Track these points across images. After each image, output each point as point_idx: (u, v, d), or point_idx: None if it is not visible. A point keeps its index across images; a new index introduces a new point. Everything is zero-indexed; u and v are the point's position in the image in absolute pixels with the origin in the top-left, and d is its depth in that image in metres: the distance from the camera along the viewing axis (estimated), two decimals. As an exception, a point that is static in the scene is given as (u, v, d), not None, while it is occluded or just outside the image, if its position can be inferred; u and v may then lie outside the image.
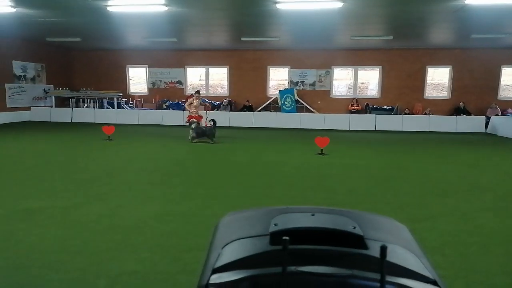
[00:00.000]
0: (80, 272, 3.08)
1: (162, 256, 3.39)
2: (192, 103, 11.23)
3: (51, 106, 16.94)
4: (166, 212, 4.60)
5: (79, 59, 19.04)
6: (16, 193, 5.31)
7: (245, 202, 5.02)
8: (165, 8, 9.01)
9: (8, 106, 15.37)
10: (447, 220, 4.50)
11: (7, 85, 15.32)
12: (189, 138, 10.65)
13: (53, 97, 17.12)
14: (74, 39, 14.50)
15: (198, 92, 11.73)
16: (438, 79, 17.17)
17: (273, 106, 17.30)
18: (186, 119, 11.46)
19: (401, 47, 16.15)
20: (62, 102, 17.63)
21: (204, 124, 11.30)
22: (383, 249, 0.89)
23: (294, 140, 11.63)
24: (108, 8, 9.03)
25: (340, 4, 8.35)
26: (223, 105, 17.24)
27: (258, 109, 17.17)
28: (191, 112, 11.17)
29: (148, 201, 5.05)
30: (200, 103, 11.61)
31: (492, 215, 4.71)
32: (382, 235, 1.20)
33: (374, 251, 1.04)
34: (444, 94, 16.93)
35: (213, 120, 10.79)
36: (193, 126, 10.53)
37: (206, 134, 10.50)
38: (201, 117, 11.51)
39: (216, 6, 9.17)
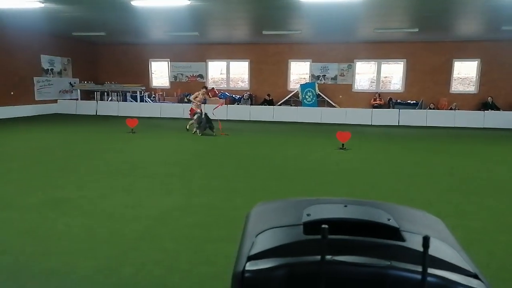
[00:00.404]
0: (106, 260, 3.17)
1: (185, 246, 3.45)
2: (197, 97, 11.41)
3: (77, 99, 17.41)
4: (188, 204, 4.67)
5: (103, 53, 19.45)
6: (45, 183, 5.51)
7: (265, 195, 5.04)
8: (188, 2, 9.06)
9: (36, 99, 15.90)
10: (473, 217, 4.39)
11: (35, 79, 15.83)
12: (195, 130, 10.80)
13: (78, 90, 17.58)
14: (99, 34, 14.81)
15: (205, 87, 12.05)
16: (465, 73, 16.62)
17: (294, 100, 17.21)
18: (189, 112, 11.71)
19: (426, 40, 15.70)
20: (87, 95, 18.09)
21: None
22: (426, 240, 0.88)
23: (315, 134, 11.55)
24: (132, 3, 9.16)
25: (364, -4, 8.18)
26: (244, 99, 17.27)
27: (279, 103, 17.12)
28: (195, 106, 11.37)
29: (171, 192, 5.13)
30: (204, 98, 11.70)
31: (522, 213, 4.56)
32: (418, 227, 1.17)
33: (411, 243, 1.03)
34: (471, 88, 16.39)
35: (205, 114, 10.88)
36: (195, 117, 10.67)
37: (209, 126, 10.74)
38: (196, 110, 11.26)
39: (238, -1, 9.16)
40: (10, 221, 4.00)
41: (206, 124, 10.75)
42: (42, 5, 9.65)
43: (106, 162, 7.05)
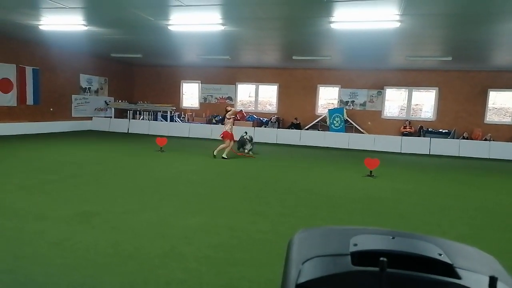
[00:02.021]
0: (130, 276, 3.20)
1: (209, 268, 3.44)
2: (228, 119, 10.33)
3: (111, 117, 18.10)
4: (213, 224, 4.68)
5: (138, 74, 20.28)
6: (77, 197, 5.69)
7: (290, 221, 4.97)
8: (222, 28, 9.37)
9: (73, 115, 16.66)
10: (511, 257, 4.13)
11: (73, 96, 16.66)
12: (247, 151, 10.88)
13: (113, 108, 18.30)
14: (136, 55, 15.50)
15: (226, 110, 10.60)
16: (500, 103, 16.08)
17: (321, 125, 17.15)
18: (222, 135, 10.42)
19: (460, 69, 15.41)
20: (120, 113, 18.79)
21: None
22: (493, 280, 0.84)
23: (342, 160, 11.39)
24: (169, 27, 9.58)
25: (397, 24, 8.19)
26: (271, 122, 17.38)
27: (306, 127, 17.10)
28: (229, 128, 10.30)
29: (196, 212, 5.17)
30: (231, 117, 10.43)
31: None
32: (472, 264, 1.12)
33: (468, 281, 0.98)
34: (508, 119, 15.79)
35: (246, 132, 11.13)
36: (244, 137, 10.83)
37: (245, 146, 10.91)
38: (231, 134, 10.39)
39: (271, 26, 9.38)
40: (42, 232, 4.14)
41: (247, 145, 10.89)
42: (86, 28, 10.26)
43: (135, 179, 7.22)
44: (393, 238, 1.21)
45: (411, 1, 6.80)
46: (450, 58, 12.48)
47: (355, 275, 1.03)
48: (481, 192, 7.60)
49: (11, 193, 5.76)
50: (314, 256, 1.17)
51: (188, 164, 9.26)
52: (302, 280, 1.06)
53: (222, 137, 10.35)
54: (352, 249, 1.13)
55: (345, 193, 6.83)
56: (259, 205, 5.74)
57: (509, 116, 15.78)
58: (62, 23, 9.95)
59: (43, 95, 14.92)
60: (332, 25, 8.56)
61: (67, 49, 15.40)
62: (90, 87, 17.69)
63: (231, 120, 10.31)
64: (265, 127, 17.08)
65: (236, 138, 10.90)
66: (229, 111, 10.38)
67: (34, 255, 3.54)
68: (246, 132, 11.25)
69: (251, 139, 11.10)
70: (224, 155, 10.10)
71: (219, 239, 4.17)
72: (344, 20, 8.23)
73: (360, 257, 1.04)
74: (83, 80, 17.24)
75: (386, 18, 7.94)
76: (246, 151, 10.92)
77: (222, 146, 10.26)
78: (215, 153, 10.29)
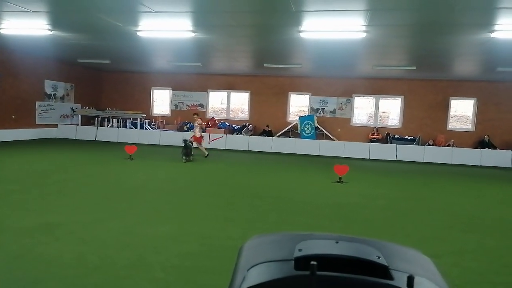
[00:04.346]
0: (95, 288, 3.10)
1: (177, 277, 3.39)
2: (196, 125, 12.10)
3: (77, 124, 17.52)
4: (182, 232, 4.62)
5: (106, 80, 19.80)
6: (40, 207, 5.46)
7: (260, 227, 4.99)
8: (192, 35, 9.35)
9: (37, 122, 16.00)
10: (471, 257, 4.33)
11: (37, 103, 16.01)
12: (206, 155, 11.83)
13: (79, 115, 17.74)
14: (104, 61, 15.14)
15: (196, 113, 12.72)
16: (461, 111, 16.90)
17: (293, 132, 17.36)
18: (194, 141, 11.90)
19: (423, 78, 16.08)
20: (88, 120, 18.23)
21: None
22: (410, 279, 0.89)
23: (312, 166, 11.56)
24: (138, 33, 9.44)
25: (363, 35, 8.46)
26: (248, 129, 17.36)
27: (278, 134, 17.25)
28: (195, 133, 12.06)
29: (165, 220, 5.08)
30: (200, 124, 12.20)
31: (519, 253, 4.50)
32: (407, 266, 1.18)
33: (399, 282, 1.03)
34: (468, 126, 16.60)
35: (184, 140, 11.39)
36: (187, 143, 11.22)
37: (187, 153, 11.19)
38: (200, 137, 12.25)
39: (242, 33, 9.45)
40: (1, 245, 3.94)
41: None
42: (51, 32, 9.94)
43: (102, 188, 7.02)
44: (337, 242, 1.26)
45: (376, 12, 7.06)
46: (414, 68, 13.01)
47: (295, 279, 1.06)
48: (444, 195, 7.93)
49: (-33, 204, 5.46)
50: (260, 262, 1.20)
51: (158, 172, 9.11)
52: (245, 286, 1.08)
53: (191, 141, 11.65)
54: (297, 254, 1.16)
55: (315, 199, 6.93)
56: (229, 211, 5.72)
57: (470, 124, 16.59)
58: (25, 27, 9.59)
59: (4, 102, 14.27)
60: (301, 34, 8.74)
61: (31, 54, 14.83)
62: (56, 94, 17.07)
63: (199, 126, 12.07)
64: (237, 134, 17.08)
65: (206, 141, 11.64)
66: (196, 118, 12.20)
67: (-10, 269, 3.37)
68: (186, 140, 11.40)
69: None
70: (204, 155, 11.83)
71: (188, 248, 4.12)
72: (312, 30, 8.41)
73: (304, 262, 1.07)
74: (48, 86, 16.61)
75: (352, 29, 8.18)
76: (187, 157, 11.16)
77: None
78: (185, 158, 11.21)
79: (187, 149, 11.07)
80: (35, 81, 15.75)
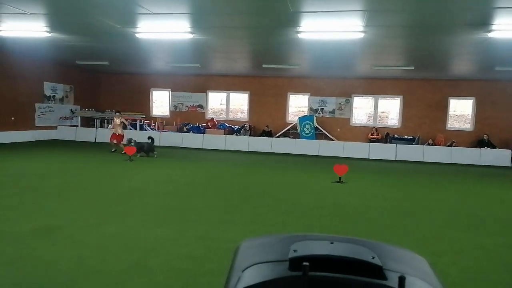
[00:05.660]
0: (94, 292, 3.10)
1: (176, 280, 3.38)
2: (116, 123, 12.70)
3: (77, 126, 17.52)
4: (181, 235, 4.62)
5: (105, 81, 19.80)
6: (37, 211, 5.46)
7: (260, 228, 4.99)
8: (191, 36, 9.35)
9: (36, 124, 16.00)
10: (469, 255, 4.34)
11: (37, 105, 16.01)
12: (123, 152, 11.97)
13: (79, 117, 17.74)
14: (103, 63, 15.13)
15: (118, 112, 13.71)
16: (460, 110, 16.91)
17: (292, 132, 17.36)
18: (112, 138, 12.71)
19: (422, 78, 16.09)
20: (87, 122, 18.23)
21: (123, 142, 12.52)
22: (402, 280, 0.89)
23: (312, 167, 11.57)
24: (137, 35, 9.44)
25: (361, 35, 8.47)
26: (245, 129, 17.39)
27: (277, 135, 17.26)
28: (117, 131, 12.59)
29: (164, 223, 5.08)
30: (122, 122, 12.88)
31: (518, 253, 4.51)
32: (400, 266, 1.19)
33: (392, 282, 1.04)
34: (467, 125, 16.62)
35: (150, 137, 12.18)
36: (133, 143, 11.73)
37: (144, 149, 11.90)
38: (123, 135, 12.71)
39: (240, 34, 9.45)
40: (1, 249, 3.94)
41: (141, 148, 11.85)
42: (49, 34, 9.93)
43: (101, 190, 7.02)
44: (331, 243, 1.27)
45: (374, 13, 7.07)
46: (412, 68, 13.03)
47: (288, 280, 1.07)
48: (444, 194, 7.93)
49: (-34, 208, 5.45)
50: (255, 263, 1.21)
51: (157, 174, 9.11)
52: (240, 287, 1.09)
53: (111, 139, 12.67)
54: (291, 255, 1.17)
55: (315, 199, 6.93)
56: (229, 213, 5.72)
57: (469, 123, 16.61)
58: (23, 29, 9.58)
59: (3, 104, 14.26)
60: (299, 35, 8.74)
61: (30, 56, 14.82)
62: (55, 95, 17.07)
63: (120, 125, 12.77)
64: (236, 135, 17.08)
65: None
66: (118, 116, 12.95)
67: (-11, 273, 3.36)
68: (131, 139, 12.00)
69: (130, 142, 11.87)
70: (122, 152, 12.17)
71: (188, 250, 4.12)
72: (310, 30, 8.41)
73: (298, 262, 1.08)
74: (47, 88, 16.62)
75: (350, 29, 8.19)
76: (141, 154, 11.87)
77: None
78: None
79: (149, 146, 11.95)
80: (34, 83, 15.75)
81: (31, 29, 9.54)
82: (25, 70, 15.16)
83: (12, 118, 14.77)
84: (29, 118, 15.67)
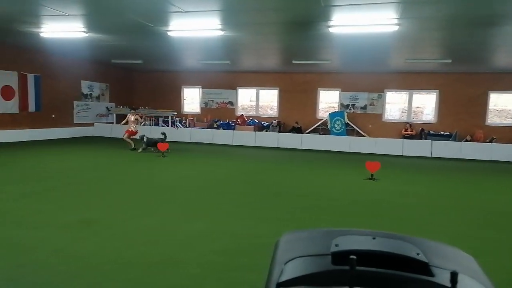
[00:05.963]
0: (132, 283, 3.21)
1: (210, 273, 3.45)
2: (130, 119, 12.87)
3: (112, 123, 18.15)
4: (214, 229, 4.69)
5: (139, 79, 20.37)
6: (78, 204, 5.71)
7: (291, 225, 4.98)
8: (221, 33, 9.43)
9: (75, 122, 16.73)
10: (506, 256, 4.14)
11: (75, 103, 16.73)
12: (140, 149, 12.15)
13: (114, 114, 18.36)
14: (136, 61, 15.58)
15: (134, 109, 13.93)
16: (502, 105, 16.07)
17: (323, 129, 17.16)
18: (125, 133, 12.93)
19: (460, 71, 15.41)
20: (122, 119, 18.80)
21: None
22: (454, 276, 0.86)
23: (343, 163, 11.40)
24: (169, 33, 9.64)
25: (395, 28, 8.22)
26: (272, 126, 17.41)
27: (307, 131, 17.12)
28: (130, 127, 12.80)
29: (198, 217, 5.18)
30: (136, 119, 13.11)
31: None
32: (448, 263, 1.15)
33: (440, 278, 1.01)
34: (509, 121, 15.78)
35: (163, 133, 12.39)
36: (144, 139, 11.97)
37: (156, 145, 11.78)
38: (137, 131, 12.86)
39: (270, 31, 9.43)
40: (46, 240, 4.16)
41: (154, 144, 11.88)
42: (86, 35, 10.33)
43: (136, 184, 7.24)
44: (374, 238, 1.25)
45: (408, 4, 6.84)
46: (449, 61, 12.50)
47: (332, 273, 1.06)
48: (482, 193, 7.59)
49: (9, 201, 5.79)
50: (297, 256, 1.21)
51: (189, 169, 9.28)
52: (283, 279, 1.09)
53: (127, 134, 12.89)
54: (333, 249, 1.17)
55: (346, 196, 6.83)
56: (260, 209, 5.75)
57: (511, 118, 15.76)
58: (62, 30, 10.02)
59: (44, 102, 14.99)
60: (331, 29, 8.60)
61: (68, 56, 15.49)
62: (92, 93, 17.77)
63: (129, 122, 12.98)
64: (266, 131, 17.10)
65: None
66: (133, 113, 13.18)
67: (35, 263, 3.56)
68: (144, 135, 12.27)
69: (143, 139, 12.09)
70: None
71: (220, 245, 4.18)
72: (342, 24, 8.26)
73: (341, 256, 1.07)
74: (85, 86, 17.32)
75: (384, 22, 7.97)
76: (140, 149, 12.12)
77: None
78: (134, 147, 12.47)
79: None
80: (72, 81, 16.46)
81: (69, 30, 9.97)
82: (64, 70, 15.86)
83: (53, 116, 15.51)
84: (68, 115, 16.41)
